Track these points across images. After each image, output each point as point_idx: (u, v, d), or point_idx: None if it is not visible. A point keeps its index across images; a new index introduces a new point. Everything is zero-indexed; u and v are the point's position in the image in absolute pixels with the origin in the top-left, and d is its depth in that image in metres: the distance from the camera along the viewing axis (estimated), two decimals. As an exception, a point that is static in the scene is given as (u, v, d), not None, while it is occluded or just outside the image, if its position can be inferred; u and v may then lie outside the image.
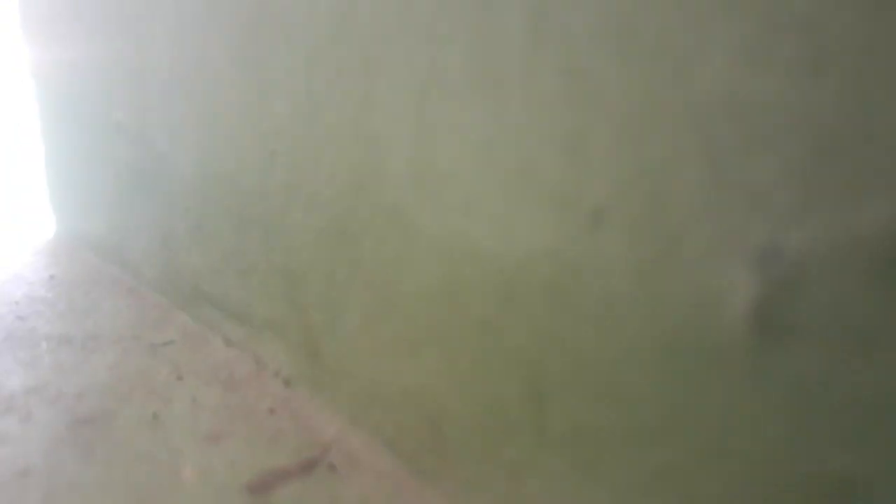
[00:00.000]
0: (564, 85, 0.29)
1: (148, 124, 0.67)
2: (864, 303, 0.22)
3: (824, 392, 0.23)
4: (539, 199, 0.31)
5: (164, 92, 0.62)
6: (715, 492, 0.27)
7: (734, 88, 0.24)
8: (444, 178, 0.35)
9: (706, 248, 0.26)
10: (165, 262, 0.71)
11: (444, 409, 0.39)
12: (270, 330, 0.55)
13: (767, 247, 0.24)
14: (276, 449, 0.46)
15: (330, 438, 0.47)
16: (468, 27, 0.33)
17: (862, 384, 0.23)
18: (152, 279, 0.75)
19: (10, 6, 0.97)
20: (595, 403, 0.31)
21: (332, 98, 0.42)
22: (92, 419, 0.50)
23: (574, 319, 0.31)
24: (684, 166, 0.26)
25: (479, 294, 0.35)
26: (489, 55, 0.32)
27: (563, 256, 0.31)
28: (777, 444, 0.25)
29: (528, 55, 0.30)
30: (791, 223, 0.23)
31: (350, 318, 0.45)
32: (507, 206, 0.33)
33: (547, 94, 0.30)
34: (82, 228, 0.92)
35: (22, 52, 0.96)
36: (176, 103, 0.61)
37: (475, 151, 0.34)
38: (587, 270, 0.30)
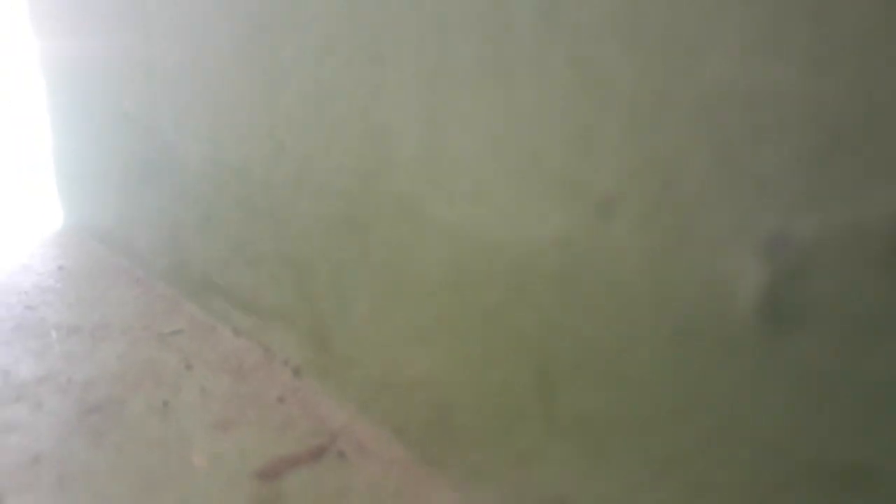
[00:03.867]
0: (574, 75, 0.29)
1: (156, 115, 0.67)
2: (871, 291, 0.22)
3: (832, 379, 0.24)
4: (549, 189, 0.31)
5: (172, 82, 0.63)
6: (723, 478, 0.27)
7: (743, 78, 0.24)
8: (454, 167, 0.36)
9: (715, 236, 0.26)
10: (174, 253, 0.71)
11: (452, 397, 0.40)
12: (279, 319, 0.55)
13: (776, 235, 0.24)
14: (286, 436, 0.46)
15: (339, 426, 0.47)
16: (478, 17, 0.33)
17: (869, 371, 0.23)
18: (161, 270, 0.75)
19: (18, -2, 0.97)
20: (603, 391, 0.31)
21: (340, 88, 0.42)
22: (102, 407, 0.51)
23: (583, 308, 0.31)
24: (693, 156, 0.26)
25: (488, 283, 0.35)
26: (499, 45, 0.32)
27: (573, 245, 0.31)
28: (785, 430, 0.25)
29: (537, 45, 0.30)
30: (799, 212, 0.23)
31: (359, 308, 0.45)
32: (516, 196, 0.33)
33: (556, 85, 0.30)
34: (91, 219, 0.92)
35: (30, 45, 0.96)
36: (184, 94, 0.61)
37: (484, 141, 0.34)
38: (596, 259, 0.30)
